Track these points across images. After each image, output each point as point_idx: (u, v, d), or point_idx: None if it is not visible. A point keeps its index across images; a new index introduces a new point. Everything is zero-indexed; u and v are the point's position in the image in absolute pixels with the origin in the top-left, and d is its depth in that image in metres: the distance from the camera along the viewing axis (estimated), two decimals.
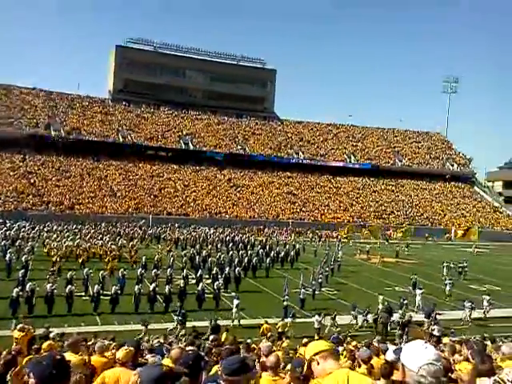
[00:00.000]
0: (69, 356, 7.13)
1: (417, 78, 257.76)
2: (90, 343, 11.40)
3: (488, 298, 24.48)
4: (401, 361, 2.64)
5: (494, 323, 23.00)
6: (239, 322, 20.98)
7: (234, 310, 21.29)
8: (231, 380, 3.33)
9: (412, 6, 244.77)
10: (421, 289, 25.95)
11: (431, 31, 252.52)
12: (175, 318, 19.75)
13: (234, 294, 24.08)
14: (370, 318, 21.44)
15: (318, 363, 2.94)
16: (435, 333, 19.16)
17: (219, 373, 3.65)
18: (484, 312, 24.09)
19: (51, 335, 13.45)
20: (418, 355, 2.54)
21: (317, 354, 2.98)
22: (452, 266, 36.44)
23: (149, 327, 18.14)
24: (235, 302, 21.51)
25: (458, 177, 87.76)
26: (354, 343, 14.78)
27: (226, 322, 19.78)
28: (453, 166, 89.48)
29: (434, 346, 2.71)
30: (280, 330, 18.94)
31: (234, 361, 3.50)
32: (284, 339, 17.04)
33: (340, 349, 11.31)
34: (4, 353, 9.14)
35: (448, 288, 28.09)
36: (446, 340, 15.57)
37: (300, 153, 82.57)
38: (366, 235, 50.92)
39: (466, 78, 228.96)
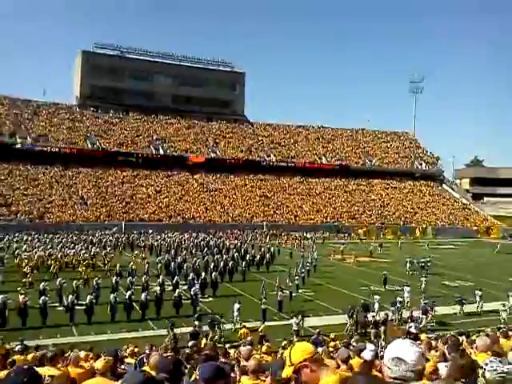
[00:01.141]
0: (47, 370, 6.98)
1: (385, 79, 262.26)
2: (66, 355, 11.19)
3: (480, 293, 25.06)
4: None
5: (470, 318, 23.52)
6: (239, 325, 20.68)
7: (236, 313, 21.30)
8: None
9: (379, 7, 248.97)
10: (408, 286, 26.40)
11: (398, 32, 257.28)
12: (196, 322, 19.45)
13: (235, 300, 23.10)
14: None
15: (312, 370, 2.72)
16: (412, 330, 19.47)
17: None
18: (477, 307, 24.74)
19: (16, 348, 13.16)
20: (391, 349, 2.58)
21: (307, 359, 2.75)
22: (415, 261, 37.83)
23: (126, 336, 17.85)
24: (236, 306, 21.54)
25: (427, 175, 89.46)
26: (332, 344, 14.86)
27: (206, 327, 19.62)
28: (421, 164, 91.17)
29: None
30: (261, 333, 18.88)
31: (211, 367, 3.49)
32: (264, 343, 17.02)
33: (319, 350, 11.36)
34: None
35: (423, 285, 28.57)
36: (423, 337, 15.87)
37: (271, 155, 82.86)
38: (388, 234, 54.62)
39: (432, 77, 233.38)
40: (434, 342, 12.38)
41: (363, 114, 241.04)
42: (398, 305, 22.97)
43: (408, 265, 37.03)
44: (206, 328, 18.95)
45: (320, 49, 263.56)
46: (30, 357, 11.07)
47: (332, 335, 17.53)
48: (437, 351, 9.26)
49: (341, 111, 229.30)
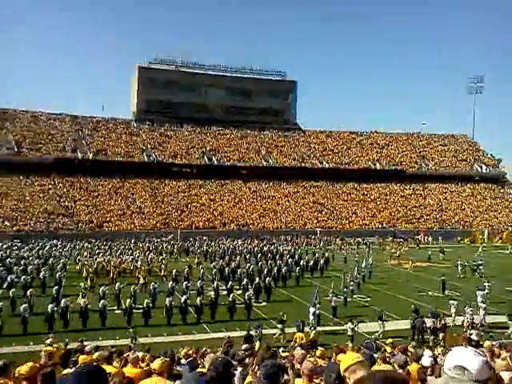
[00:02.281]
0: (105, 367, 7.20)
1: (441, 81, 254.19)
2: (125, 355, 11.49)
3: None
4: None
5: None
6: (315, 329, 20.51)
7: (311, 317, 21.46)
8: None
9: (433, 7, 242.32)
10: (482, 290, 25.53)
11: (453, 32, 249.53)
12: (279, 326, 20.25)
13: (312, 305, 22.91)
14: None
15: (350, 379, 3.01)
16: (473, 337, 18.62)
17: (256, 378, 3.74)
18: None
19: (86, 349, 13.58)
20: (452, 357, 2.46)
21: (346, 369, 3.05)
22: (466, 264, 37.33)
23: (182, 339, 18.13)
24: (311, 309, 21.76)
25: (488, 178, 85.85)
26: (389, 349, 14.51)
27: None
28: (481, 167, 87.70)
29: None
30: (312, 338, 18.71)
31: (273, 364, 3.60)
32: (318, 347, 16.83)
33: (376, 355, 11.12)
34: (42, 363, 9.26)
35: (486, 291, 27.37)
36: (487, 344, 15.17)
37: (324, 162, 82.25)
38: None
39: (488, 76, 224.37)
40: (497, 350, 11.83)
41: (417, 119, 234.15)
42: (482, 310, 22.42)
43: (459, 268, 36.35)
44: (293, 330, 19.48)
45: (371, 52, 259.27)
46: (95, 356, 11.39)
47: (389, 341, 17.14)
48: (503, 360, 8.83)
49: (394, 117, 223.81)
